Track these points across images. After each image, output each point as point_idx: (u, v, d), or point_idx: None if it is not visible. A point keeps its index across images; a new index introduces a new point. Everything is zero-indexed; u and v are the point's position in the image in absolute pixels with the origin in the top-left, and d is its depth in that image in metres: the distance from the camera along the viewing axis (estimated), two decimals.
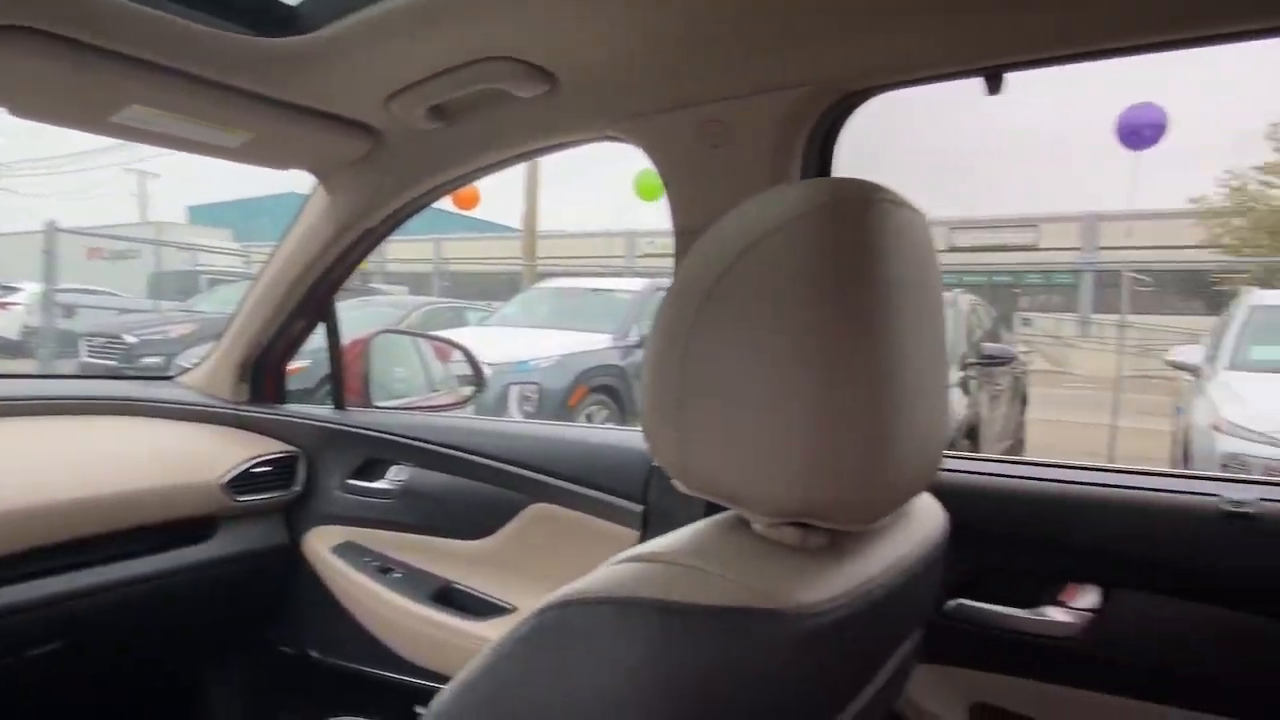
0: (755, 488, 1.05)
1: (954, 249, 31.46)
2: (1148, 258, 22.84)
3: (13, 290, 17.37)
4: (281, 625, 2.74)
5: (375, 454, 2.66)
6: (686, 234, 1.93)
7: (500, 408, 8.74)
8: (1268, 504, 1.62)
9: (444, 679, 0.99)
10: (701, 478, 1.08)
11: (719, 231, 1.07)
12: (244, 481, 2.52)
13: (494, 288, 22.47)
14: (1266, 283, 18.09)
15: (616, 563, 1.02)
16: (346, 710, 2.42)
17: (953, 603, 1.97)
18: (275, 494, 2.62)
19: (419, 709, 2.33)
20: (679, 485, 1.13)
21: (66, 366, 12.29)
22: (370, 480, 2.67)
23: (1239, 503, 1.61)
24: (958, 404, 7.97)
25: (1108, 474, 1.79)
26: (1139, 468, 1.84)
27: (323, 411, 2.83)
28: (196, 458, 2.52)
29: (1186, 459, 7.78)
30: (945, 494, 1.75)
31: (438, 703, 0.97)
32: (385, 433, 2.65)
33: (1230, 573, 1.67)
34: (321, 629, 2.64)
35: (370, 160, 2.34)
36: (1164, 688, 1.77)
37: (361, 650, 2.51)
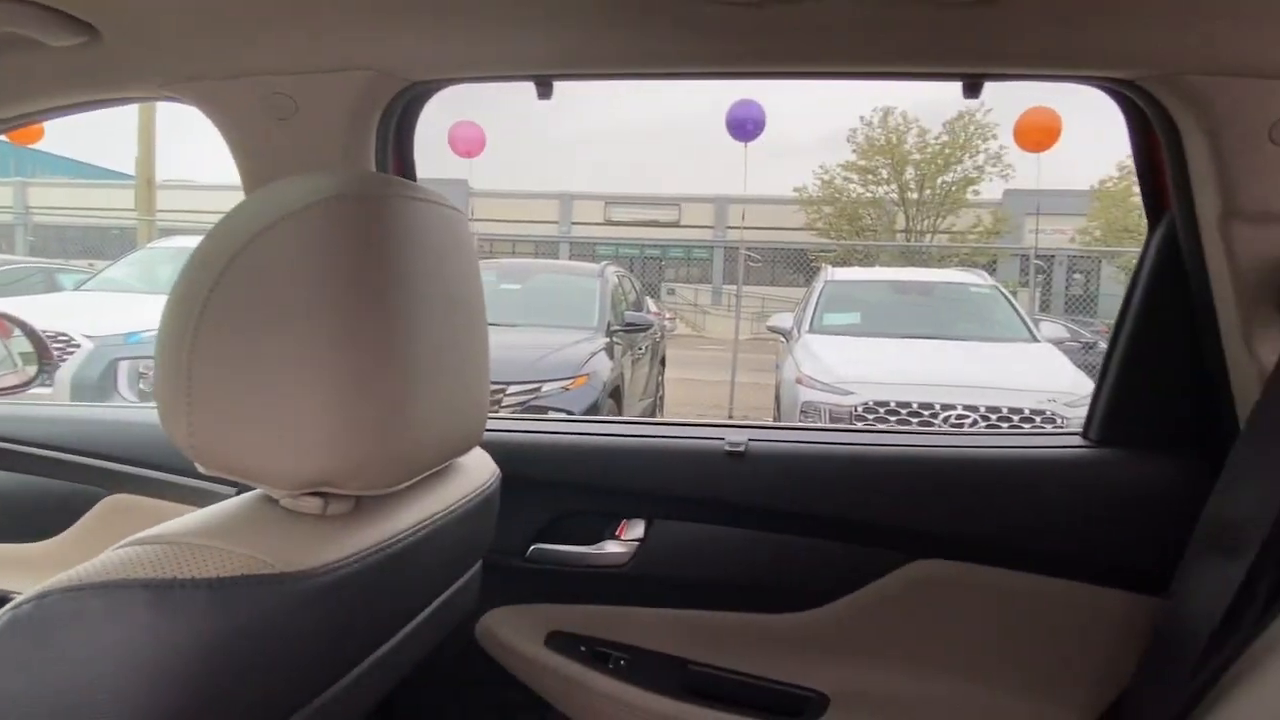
0: (273, 463, 1.10)
1: (611, 223, 33.75)
2: (761, 237, 26.61)
3: None
4: None
5: None
6: None
7: (107, 388, 7.57)
8: (755, 444, 2.08)
9: None
10: (218, 458, 1.11)
11: (233, 215, 1.10)
12: None
13: (102, 244, 19.11)
14: (845, 261, 22.14)
15: (118, 547, 1.01)
16: None
17: (533, 547, 2.22)
18: None
19: None
20: (199, 467, 1.14)
21: None
22: None
23: (735, 443, 2.05)
24: (603, 368, 8.61)
25: (646, 426, 2.15)
26: (669, 419, 2.25)
27: None
28: None
29: (779, 408, 9.31)
30: (512, 454, 1.96)
31: None
32: None
33: (732, 499, 2.11)
34: None
35: None
36: (693, 596, 2.19)
37: None
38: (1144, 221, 1.97)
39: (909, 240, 29.03)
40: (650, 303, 14.04)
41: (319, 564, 1.08)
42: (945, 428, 7.07)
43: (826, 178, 31.55)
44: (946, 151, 30.13)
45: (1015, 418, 7.09)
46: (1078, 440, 2.07)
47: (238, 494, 1.26)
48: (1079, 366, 8.41)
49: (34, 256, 14.96)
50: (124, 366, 7.56)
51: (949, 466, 2.03)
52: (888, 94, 29.80)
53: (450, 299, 1.28)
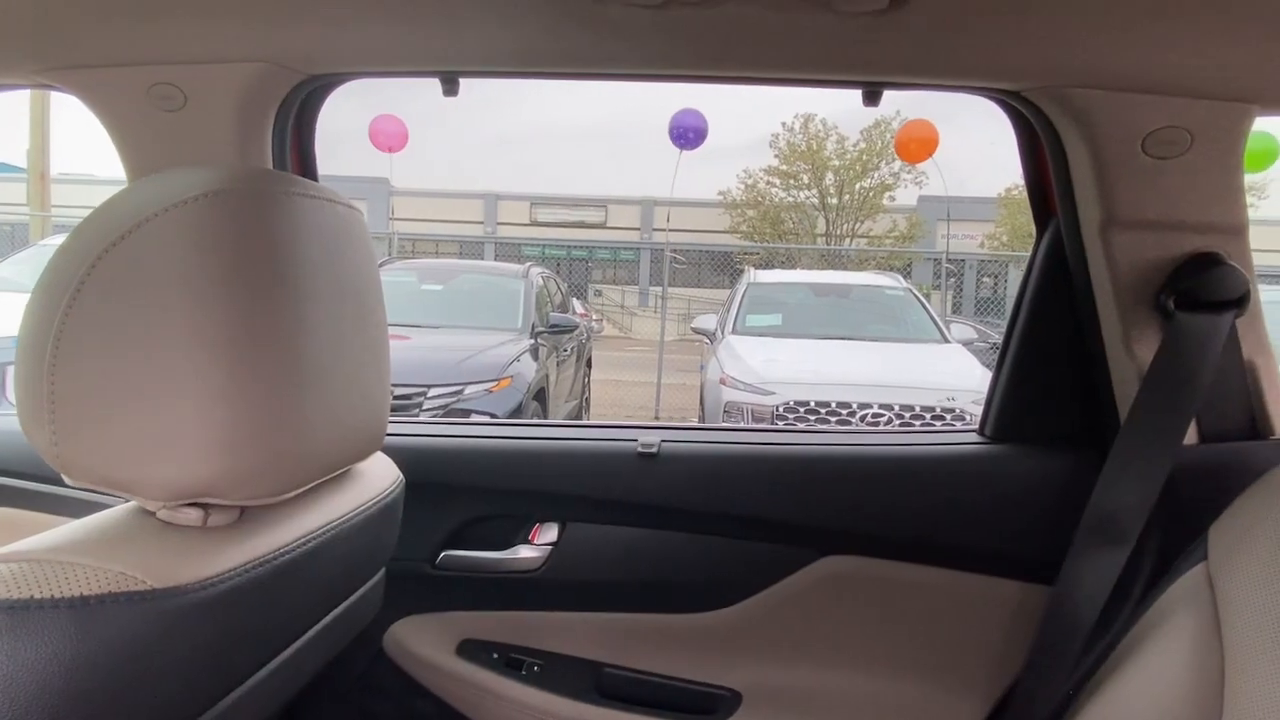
0: (147, 474, 1.05)
1: (536, 224, 33.49)
2: (687, 240, 26.86)
3: None
4: None
5: None
6: None
7: None
8: (668, 444, 2.08)
9: None
10: (86, 471, 1.05)
11: (104, 208, 1.03)
12: None
13: None
14: (768, 264, 22.56)
15: None
16: None
17: (443, 554, 2.17)
18: None
19: None
20: (68, 480, 1.08)
21: None
22: None
23: (648, 444, 2.06)
24: (527, 370, 8.53)
25: (559, 428, 2.14)
26: (581, 423, 2.24)
27: None
28: None
29: (704, 409, 9.41)
30: (419, 458, 1.91)
31: None
32: None
33: (645, 500, 2.11)
34: None
35: None
36: (608, 598, 2.18)
37: None
38: None
39: (829, 244, 29.79)
40: (577, 304, 13.99)
41: (197, 579, 1.02)
42: (862, 426, 7.27)
43: (750, 182, 32.12)
44: (864, 158, 31.05)
45: (927, 415, 7.34)
46: (975, 437, 2.15)
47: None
48: (987, 366, 8.77)
49: None
50: (10, 371, 7.07)
51: (855, 465, 2.08)
52: (809, 101, 30.46)
53: (344, 300, 1.23)
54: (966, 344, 9.43)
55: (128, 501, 1.12)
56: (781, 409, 7.61)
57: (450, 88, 1.79)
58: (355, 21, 1.64)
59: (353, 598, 1.49)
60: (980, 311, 21.51)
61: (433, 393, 7.35)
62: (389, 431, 2.86)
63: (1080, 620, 1.63)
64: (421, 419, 6.36)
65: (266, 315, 1.06)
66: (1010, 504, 1.98)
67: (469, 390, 7.52)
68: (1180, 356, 1.65)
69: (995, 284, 23.87)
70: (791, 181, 31.66)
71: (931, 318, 9.90)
